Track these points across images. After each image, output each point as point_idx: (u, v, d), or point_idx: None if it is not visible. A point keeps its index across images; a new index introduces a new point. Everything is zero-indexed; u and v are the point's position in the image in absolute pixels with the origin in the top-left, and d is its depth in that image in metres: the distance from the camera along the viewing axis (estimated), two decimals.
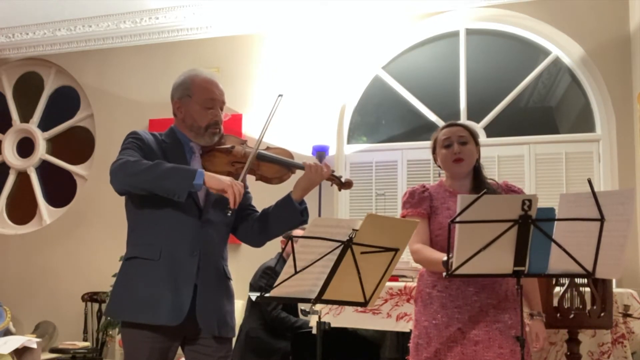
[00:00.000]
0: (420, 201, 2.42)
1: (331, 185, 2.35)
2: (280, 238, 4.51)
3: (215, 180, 2.05)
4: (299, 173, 2.30)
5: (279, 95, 2.30)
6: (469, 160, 2.41)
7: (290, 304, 4.44)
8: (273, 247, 4.66)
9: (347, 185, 2.35)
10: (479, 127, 5.16)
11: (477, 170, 2.45)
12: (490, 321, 2.25)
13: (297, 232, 4.30)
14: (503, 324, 2.25)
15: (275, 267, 4.26)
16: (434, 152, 2.50)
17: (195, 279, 2.17)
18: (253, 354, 4.29)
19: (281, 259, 4.33)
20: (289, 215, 2.27)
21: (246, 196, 2.36)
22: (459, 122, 2.57)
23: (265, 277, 4.28)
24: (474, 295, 2.28)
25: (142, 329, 2.13)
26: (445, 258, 2.01)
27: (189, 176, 2.03)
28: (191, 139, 2.28)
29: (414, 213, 2.40)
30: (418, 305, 2.41)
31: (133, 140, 2.21)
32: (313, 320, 2.35)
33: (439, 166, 2.48)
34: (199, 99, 2.24)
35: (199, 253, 2.17)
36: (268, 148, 2.34)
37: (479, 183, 2.41)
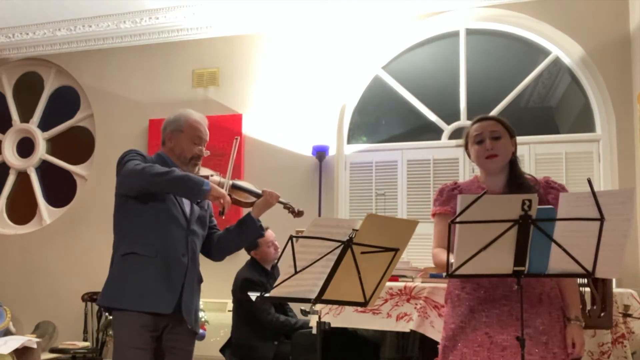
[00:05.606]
0: (448, 199, 2.32)
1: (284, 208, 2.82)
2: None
3: (216, 190, 2.44)
4: None
5: (235, 138, 2.83)
6: (503, 155, 2.27)
7: (279, 304, 4.40)
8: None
9: (299, 214, 2.82)
10: None
11: (513, 165, 2.30)
12: (520, 326, 2.05)
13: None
14: (534, 329, 2.12)
15: (252, 278, 4.20)
16: (466, 147, 2.38)
17: (184, 278, 2.53)
18: None
19: (257, 264, 4.30)
20: (251, 230, 2.68)
21: (210, 218, 2.82)
22: (491, 115, 2.44)
23: (248, 290, 4.20)
24: (503, 299, 2.15)
25: (132, 314, 2.45)
26: (452, 260, 1.93)
27: (200, 181, 2.41)
28: (177, 166, 2.60)
29: (442, 211, 2.31)
30: (447, 307, 2.30)
31: (136, 155, 2.56)
32: (313, 320, 2.34)
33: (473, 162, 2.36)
34: (188, 135, 2.63)
35: (187, 256, 2.55)
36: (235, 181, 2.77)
37: (514, 179, 2.28)
